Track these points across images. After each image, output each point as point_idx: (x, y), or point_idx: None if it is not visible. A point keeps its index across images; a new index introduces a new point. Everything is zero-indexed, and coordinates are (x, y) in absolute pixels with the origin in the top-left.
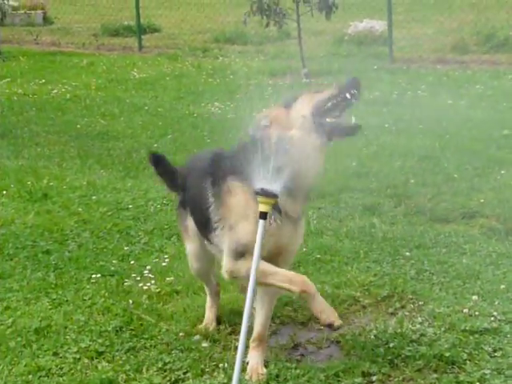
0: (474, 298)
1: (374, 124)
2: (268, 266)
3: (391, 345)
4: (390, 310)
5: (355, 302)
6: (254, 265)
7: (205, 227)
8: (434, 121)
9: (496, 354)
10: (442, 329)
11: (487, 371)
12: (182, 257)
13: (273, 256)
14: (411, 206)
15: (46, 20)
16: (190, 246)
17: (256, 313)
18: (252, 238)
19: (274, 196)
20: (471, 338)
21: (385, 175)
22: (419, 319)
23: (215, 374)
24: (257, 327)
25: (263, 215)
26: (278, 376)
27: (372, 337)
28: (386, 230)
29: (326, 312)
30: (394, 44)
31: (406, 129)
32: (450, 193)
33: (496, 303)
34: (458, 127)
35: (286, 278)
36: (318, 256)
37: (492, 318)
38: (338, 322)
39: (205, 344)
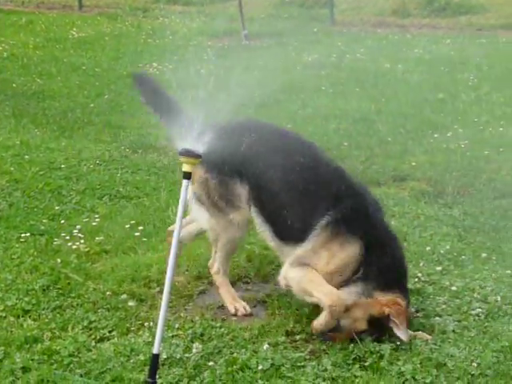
0: None
1: (311, 86)
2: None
3: None
4: None
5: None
6: (178, 222)
7: (292, 225)
8: (371, 84)
9: (418, 315)
10: None
11: (409, 332)
12: (112, 217)
13: None
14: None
15: None
16: (238, 216)
17: None
18: (320, 274)
19: (197, 156)
20: None
21: (319, 137)
22: None
23: (140, 332)
24: None
25: (187, 175)
26: (202, 335)
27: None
28: None
29: None
30: (335, 7)
31: (343, 92)
32: (382, 155)
33: (421, 265)
34: (395, 91)
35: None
36: None
37: (416, 279)
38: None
39: (131, 303)
